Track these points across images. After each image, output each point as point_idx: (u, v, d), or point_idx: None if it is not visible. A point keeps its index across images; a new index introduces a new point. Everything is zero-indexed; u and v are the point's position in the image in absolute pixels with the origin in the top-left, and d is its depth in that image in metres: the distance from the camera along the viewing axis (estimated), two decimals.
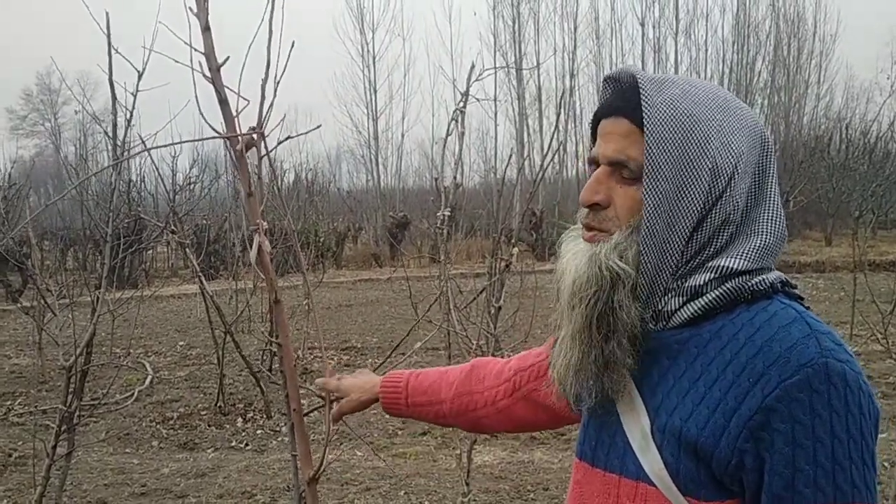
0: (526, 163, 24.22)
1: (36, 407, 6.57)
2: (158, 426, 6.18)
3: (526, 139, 27.69)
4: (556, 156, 24.92)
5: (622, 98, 1.05)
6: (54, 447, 3.06)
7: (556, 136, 4.60)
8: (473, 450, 3.63)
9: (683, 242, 1.01)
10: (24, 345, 9.60)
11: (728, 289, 1.00)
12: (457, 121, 3.16)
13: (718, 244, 1.02)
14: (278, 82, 1.46)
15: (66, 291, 6.71)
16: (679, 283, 1.02)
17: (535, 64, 27.56)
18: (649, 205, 0.99)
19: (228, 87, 1.37)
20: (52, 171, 29.52)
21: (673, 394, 1.00)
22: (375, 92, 27.30)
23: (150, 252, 17.46)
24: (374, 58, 27.22)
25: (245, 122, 1.41)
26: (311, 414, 2.13)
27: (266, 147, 1.45)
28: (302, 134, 1.69)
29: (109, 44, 2.87)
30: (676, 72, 27.61)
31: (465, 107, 3.19)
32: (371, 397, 1.53)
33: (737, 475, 0.95)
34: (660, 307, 1.03)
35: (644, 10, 29.13)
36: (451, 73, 27.59)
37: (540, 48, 28.39)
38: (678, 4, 28.97)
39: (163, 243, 16.43)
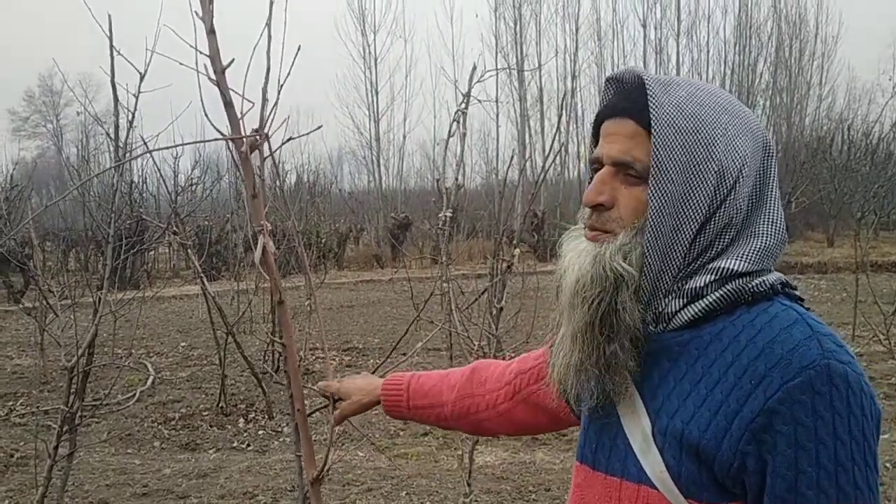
0: (527, 164, 24.18)
1: (38, 407, 6.58)
2: (160, 427, 6.19)
3: (527, 140, 27.70)
4: (558, 157, 24.94)
5: (627, 99, 1.05)
6: (56, 448, 3.06)
7: (557, 137, 4.60)
8: (475, 450, 3.63)
9: (687, 245, 1.01)
10: (25, 345, 9.60)
11: (728, 290, 1.00)
12: (458, 122, 3.16)
13: (720, 247, 1.02)
14: (282, 85, 1.47)
15: (68, 292, 6.71)
16: (679, 284, 1.02)
17: (537, 65, 27.58)
18: (655, 207, 0.99)
19: (233, 90, 1.38)
20: (55, 172, 29.52)
21: (674, 396, 1.00)
22: (377, 93, 27.33)
23: (152, 253, 17.46)
24: (375, 59, 27.25)
25: (248, 124, 1.41)
26: (314, 414, 2.13)
27: (270, 149, 1.46)
28: (303, 135, 1.69)
29: (111, 45, 2.88)
30: (678, 73, 27.62)
31: (466, 108, 3.19)
32: (372, 399, 1.53)
33: (739, 477, 0.95)
34: (660, 309, 1.03)
35: (646, 12, 29.14)
36: (452, 74, 27.64)
37: (541, 49, 28.41)
38: (680, 6, 28.97)
39: (165, 244, 16.44)
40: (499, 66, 25.53)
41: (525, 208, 12.41)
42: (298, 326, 7.32)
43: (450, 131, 3.22)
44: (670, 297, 1.02)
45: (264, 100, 1.43)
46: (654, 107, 1.00)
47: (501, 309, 3.61)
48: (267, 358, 7.52)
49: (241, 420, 6.36)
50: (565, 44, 28.49)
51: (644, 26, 29.14)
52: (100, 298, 3.21)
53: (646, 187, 1.00)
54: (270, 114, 1.45)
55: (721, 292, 1.00)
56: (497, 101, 26.36)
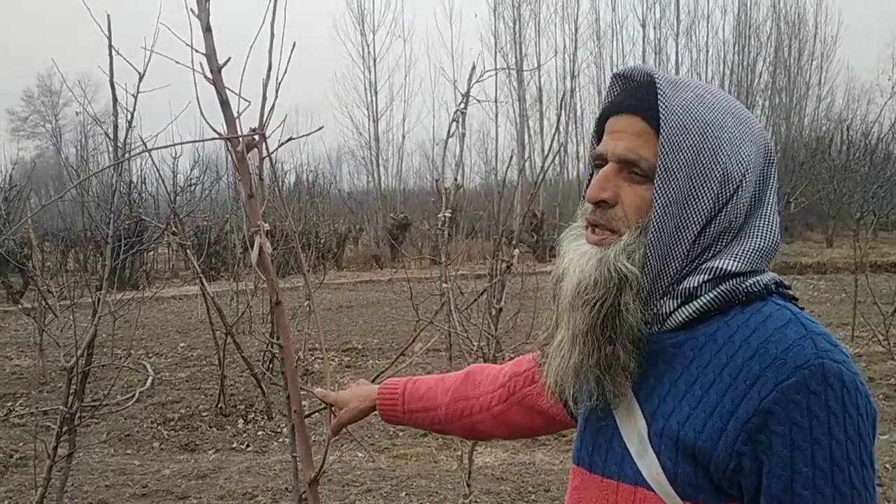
0: (527, 164, 24.25)
1: (37, 408, 6.57)
2: (159, 427, 6.18)
3: (527, 140, 27.71)
4: (557, 157, 24.95)
5: (635, 96, 1.04)
6: (55, 448, 3.06)
7: (556, 137, 4.60)
8: (474, 451, 3.63)
9: (688, 247, 1.01)
10: (25, 346, 9.60)
11: (722, 291, 1.00)
12: (458, 122, 3.16)
13: (717, 249, 1.02)
14: (279, 84, 1.46)
15: (67, 293, 6.71)
16: (674, 285, 1.02)
17: (536, 65, 27.59)
18: (659, 207, 0.99)
19: (229, 89, 1.37)
20: (53, 172, 29.54)
21: (669, 398, 1.00)
22: (376, 93, 27.35)
23: (151, 253, 17.46)
24: (374, 59, 27.27)
25: (246, 124, 1.41)
26: (313, 415, 2.13)
27: (267, 148, 1.45)
28: (303, 136, 1.69)
29: (110, 45, 2.88)
30: (677, 73, 27.63)
31: (465, 108, 3.19)
32: (369, 405, 1.53)
33: (735, 478, 0.94)
34: (655, 310, 1.03)
35: (645, 12, 29.16)
36: (451, 74, 27.66)
37: (541, 49, 28.43)
38: (679, 6, 28.99)
39: (164, 245, 16.45)
40: (498, 66, 25.54)
41: (524, 209, 12.41)
42: (298, 327, 7.32)
43: (449, 131, 3.22)
44: (665, 298, 1.02)
45: (264, 98, 1.43)
46: (663, 107, 0.99)
47: (501, 309, 3.61)
48: (266, 359, 7.51)
49: (241, 421, 6.36)
50: (564, 44, 28.53)
51: (643, 26, 29.17)
52: (99, 299, 3.21)
53: (650, 186, 1.00)
54: (268, 114, 1.44)
55: (715, 293, 1.00)
56: (496, 102, 26.39)
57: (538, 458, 5.33)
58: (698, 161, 0.99)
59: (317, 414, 1.90)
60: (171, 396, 7.12)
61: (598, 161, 1.07)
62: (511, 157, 21.61)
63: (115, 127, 3.22)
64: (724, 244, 1.02)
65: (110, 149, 3.48)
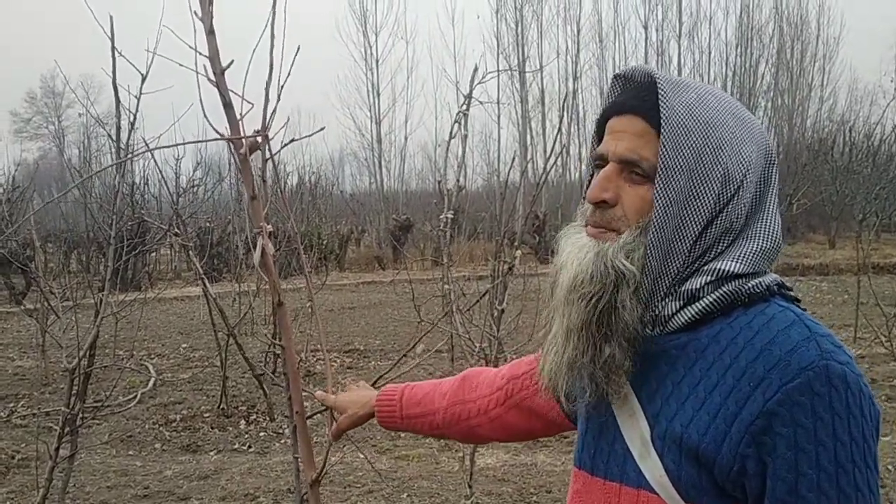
0: (529, 165, 24.20)
1: (39, 409, 6.58)
2: (161, 428, 6.19)
3: (529, 142, 27.72)
4: (560, 159, 24.93)
5: (636, 97, 1.04)
6: (57, 449, 3.06)
7: (559, 138, 4.60)
8: (476, 452, 3.63)
9: (689, 248, 1.00)
10: (27, 347, 9.61)
11: (725, 292, 0.99)
12: (460, 123, 3.16)
13: (718, 250, 1.02)
14: (282, 86, 1.46)
15: (70, 294, 6.73)
16: (676, 287, 1.02)
17: (538, 67, 27.58)
18: (660, 208, 0.98)
19: (233, 91, 1.37)
20: (56, 174, 29.58)
21: (672, 399, 1.00)
22: (378, 95, 27.38)
23: (154, 254, 17.47)
24: (377, 61, 27.30)
25: (248, 125, 1.41)
26: (314, 416, 2.13)
27: (270, 150, 1.46)
28: (305, 137, 1.69)
29: (113, 46, 2.88)
30: (680, 75, 27.61)
31: (468, 109, 3.19)
32: (368, 412, 1.53)
33: (739, 481, 0.94)
34: (657, 311, 1.02)
35: (647, 13, 29.17)
36: (454, 75, 27.72)
37: (543, 51, 28.44)
38: (681, 7, 29.00)
39: (166, 246, 16.45)
40: (500, 68, 25.57)
41: (526, 210, 12.41)
42: (300, 328, 7.32)
43: (451, 133, 3.22)
44: (667, 300, 1.02)
45: (266, 100, 1.43)
46: (665, 107, 0.99)
47: (503, 310, 3.61)
48: (268, 360, 7.51)
49: (243, 422, 6.36)
50: (567, 45, 28.55)
51: (645, 28, 29.18)
52: (101, 300, 3.21)
53: (651, 187, 1.00)
54: (271, 116, 1.44)
55: (717, 294, 0.99)
56: (498, 103, 26.36)
57: (540, 459, 5.33)
58: (699, 161, 0.99)
59: (319, 415, 1.90)
60: (173, 397, 7.12)
61: (599, 161, 1.07)
62: (513, 158, 21.61)
63: (118, 128, 3.22)
64: (725, 245, 1.01)
65: (113, 150, 3.48)
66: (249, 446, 5.80)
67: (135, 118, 3.20)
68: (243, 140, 1.39)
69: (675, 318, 1.01)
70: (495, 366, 3.37)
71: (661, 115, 0.99)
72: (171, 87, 2.93)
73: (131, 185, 14.60)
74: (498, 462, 5.27)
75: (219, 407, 6.61)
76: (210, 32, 1.35)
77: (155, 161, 5.76)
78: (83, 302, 6.41)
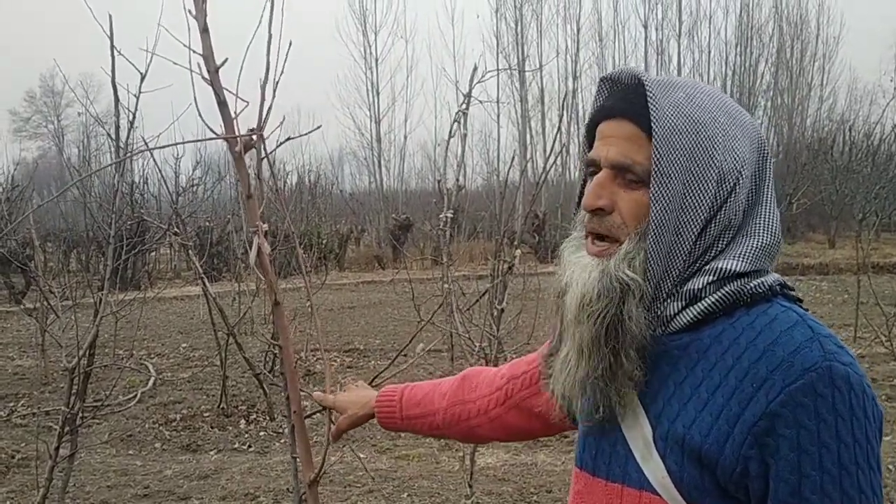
0: (528, 165, 24.19)
1: (39, 408, 6.58)
2: (161, 428, 6.18)
3: (528, 141, 27.71)
4: (559, 158, 24.93)
5: (624, 100, 1.03)
6: (57, 448, 3.06)
7: (558, 138, 4.60)
8: (476, 452, 3.63)
9: (689, 248, 1.00)
10: (27, 346, 9.61)
11: (727, 292, 0.99)
12: (459, 123, 3.16)
13: (719, 248, 1.01)
14: (277, 83, 1.46)
15: (69, 293, 6.72)
16: (678, 287, 1.01)
17: (538, 66, 27.58)
18: (657, 211, 0.98)
19: (227, 89, 1.37)
20: (56, 173, 29.56)
21: (674, 400, 0.99)
22: (378, 94, 27.38)
23: (153, 254, 17.47)
24: (376, 60, 27.29)
25: (246, 124, 1.41)
26: (313, 416, 2.13)
27: (266, 148, 1.45)
28: (302, 135, 1.69)
29: (112, 45, 2.87)
30: (679, 74, 27.62)
31: (467, 109, 3.18)
32: (367, 413, 1.52)
33: (742, 482, 0.93)
34: (659, 312, 1.01)
35: (647, 12, 29.16)
36: (453, 75, 27.71)
37: (542, 50, 28.44)
38: (681, 6, 29.00)
39: (166, 245, 16.45)
40: (500, 67, 25.56)
41: (526, 209, 12.42)
42: (299, 328, 7.32)
43: (451, 132, 3.22)
44: (670, 300, 1.01)
45: (262, 98, 1.42)
46: (654, 109, 0.98)
47: (503, 310, 3.60)
48: (267, 359, 7.52)
49: (243, 421, 6.36)
50: (566, 44, 28.54)
51: (645, 27, 29.18)
52: (101, 299, 3.20)
53: (646, 190, 0.99)
54: (266, 114, 1.44)
55: (720, 294, 0.99)
56: (498, 102, 26.39)
57: (540, 458, 5.33)
58: (693, 162, 0.98)
59: (317, 414, 1.89)
60: (173, 397, 7.12)
61: (592, 168, 1.06)
62: (513, 157, 21.62)
63: (117, 127, 3.22)
64: (725, 243, 1.01)
65: (112, 149, 3.48)
66: (249, 446, 5.80)
67: (134, 117, 3.19)
68: (238, 138, 1.38)
69: (678, 318, 1.01)
70: (495, 365, 3.37)
71: (651, 118, 0.98)
72: (171, 85, 2.92)
73: (131, 184, 14.61)
74: (498, 462, 5.27)
75: (219, 406, 6.60)
76: (204, 30, 1.35)
77: (154, 160, 5.77)
78: (83, 301, 6.40)
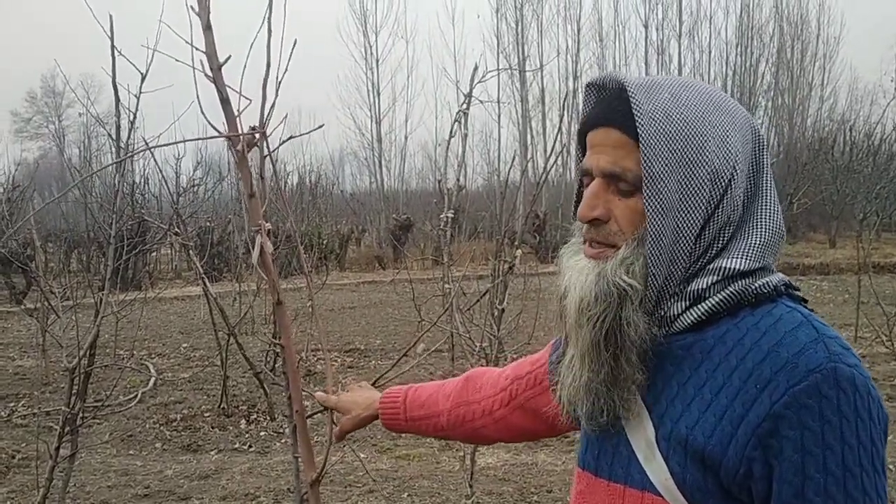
0: (529, 165, 24.18)
1: (39, 408, 6.57)
2: (162, 428, 6.18)
3: (529, 141, 27.69)
4: (560, 158, 24.92)
5: (609, 108, 1.02)
6: (57, 449, 3.06)
7: (559, 138, 4.60)
8: (477, 452, 3.62)
9: (690, 249, 0.99)
10: (27, 346, 9.60)
11: (731, 292, 0.98)
12: (460, 123, 3.16)
13: (720, 245, 1.00)
14: (280, 82, 1.46)
15: (70, 293, 6.71)
16: (681, 287, 1.00)
17: (539, 66, 27.56)
18: (652, 216, 0.97)
19: (230, 87, 1.37)
20: (56, 173, 29.58)
21: (677, 401, 0.98)
22: (379, 94, 27.36)
23: (154, 254, 17.48)
24: (377, 60, 27.27)
25: (246, 122, 1.41)
26: (314, 416, 2.12)
27: (268, 147, 1.45)
28: (304, 134, 1.69)
29: (113, 46, 2.87)
30: (680, 74, 27.60)
31: (468, 109, 3.18)
32: (371, 414, 1.52)
33: (745, 484, 0.93)
34: (662, 312, 1.01)
35: (647, 13, 29.14)
36: (454, 75, 27.69)
37: (543, 50, 28.42)
38: (682, 7, 28.97)
39: (166, 245, 16.46)
40: (500, 67, 25.55)
41: (527, 209, 12.41)
42: (300, 328, 7.32)
43: (451, 132, 3.22)
44: (673, 300, 1.00)
45: (264, 96, 1.42)
46: (638, 115, 0.97)
47: (503, 310, 3.60)
48: (269, 359, 7.52)
49: (243, 421, 6.35)
50: (567, 44, 28.52)
51: (646, 27, 29.16)
52: (101, 299, 3.21)
53: (640, 197, 0.98)
54: (269, 112, 1.44)
55: (724, 294, 0.98)
56: (499, 102, 26.36)
57: (540, 458, 5.32)
58: (684, 163, 0.97)
59: (318, 414, 1.89)
60: (174, 397, 7.12)
61: (586, 176, 1.06)
62: (513, 157, 21.61)
63: (118, 127, 3.21)
64: (725, 239, 1.00)
65: (113, 150, 3.48)
66: (250, 446, 5.80)
67: (135, 117, 3.19)
68: (241, 137, 1.38)
69: (681, 318, 1.00)
70: (496, 365, 3.37)
71: (636, 124, 0.97)
72: (171, 85, 2.92)
73: (131, 184, 14.60)
74: (499, 462, 5.27)
75: (219, 406, 6.60)
76: (207, 28, 1.35)
77: (155, 160, 5.76)
78: (83, 301, 6.40)
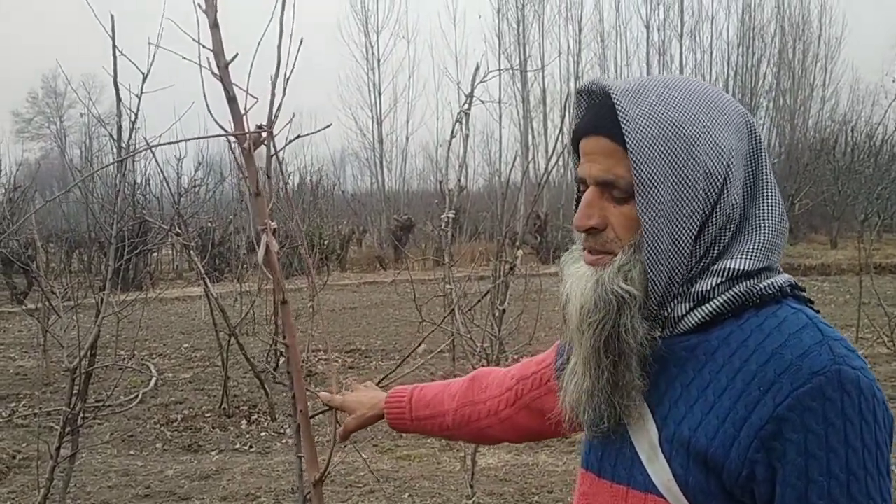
0: (530, 165, 24.19)
1: (40, 409, 6.58)
2: (162, 428, 6.18)
3: (530, 142, 27.71)
4: (561, 159, 24.90)
5: (597, 115, 1.02)
6: (58, 449, 3.06)
7: (560, 138, 4.58)
8: (477, 452, 3.62)
9: (689, 252, 0.98)
10: (28, 347, 9.61)
11: (736, 293, 0.97)
12: (461, 123, 3.16)
13: (722, 244, 0.99)
14: (288, 80, 1.45)
15: (71, 293, 6.71)
16: (685, 288, 1.00)
17: (540, 66, 27.55)
18: (647, 222, 0.96)
19: (237, 85, 1.36)
20: (58, 174, 29.58)
21: (681, 403, 0.98)
22: (380, 95, 27.38)
23: (155, 254, 17.47)
24: (378, 60, 27.31)
25: (252, 121, 1.40)
26: (317, 416, 2.12)
27: (275, 146, 1.45)
28: (310, 133, 1.69)
29: (114, 46, 2.87)
30: (682, 74, 27.58)
31: (469, 109, 3.18)
32: (376, 413, 1.52)
33: (748, 486, 0.92)
34: (666, 313, 1.00)
35: (649, 13, 29.15)
36: (455, 75, 27.72)
37: (544, 51, 28.44)
38: (683, 7, 28.99)
39: (168, 246, 16.46)
40: (502, 67, 25.53)
41: (528, 210, 12.42)
42: (302, 328, 7.31)
43: (452, 132, 3.22)
44: (676, 301, 1.00)
45: (272, 95, 1.42)
46: (624, 121, 0.96)
47: (504, 310, 3.60)
48: (270, 359, 7.51)
49: (244, 421, 6.35)
50: (568, 45, 28.54)
51: (647, 27, 29.18)
52: (102, 300, 3.20)
53: (634, 203, 0.98)
54: (276, 111, 1.43)
55: (729, 295, 0.97)
56: (500, 103, 26.37)
57: (541, 459, 5.32)
58: (675, 166, 0.96)
59: (321, 414, 1.89)
60: (175, 397, 7.12)
61: (582, 184, 1.06)
62: (515, 158, 21.62)
63: (119, 128, 3.21)
64: (727, 238, 0.99)
65: (115, 150, 3.48)
66: (251, 446, 5.80)
67: (136, 117, 3.19)
68: (248, 135, 1.37)
69: (685, 319, 0.99)
70: (496, 366, 3.36)
71: (623, 130, 0.96)
72: (173, 85, 2.92)
73: (133, 184, 14.59)
74: (499, 462, 5.27)
75: (220, 407, 6.60)
76: (214, 26, 1.34)
77: (156, 161, 5.78)
78: (84, 302, 6.39)
